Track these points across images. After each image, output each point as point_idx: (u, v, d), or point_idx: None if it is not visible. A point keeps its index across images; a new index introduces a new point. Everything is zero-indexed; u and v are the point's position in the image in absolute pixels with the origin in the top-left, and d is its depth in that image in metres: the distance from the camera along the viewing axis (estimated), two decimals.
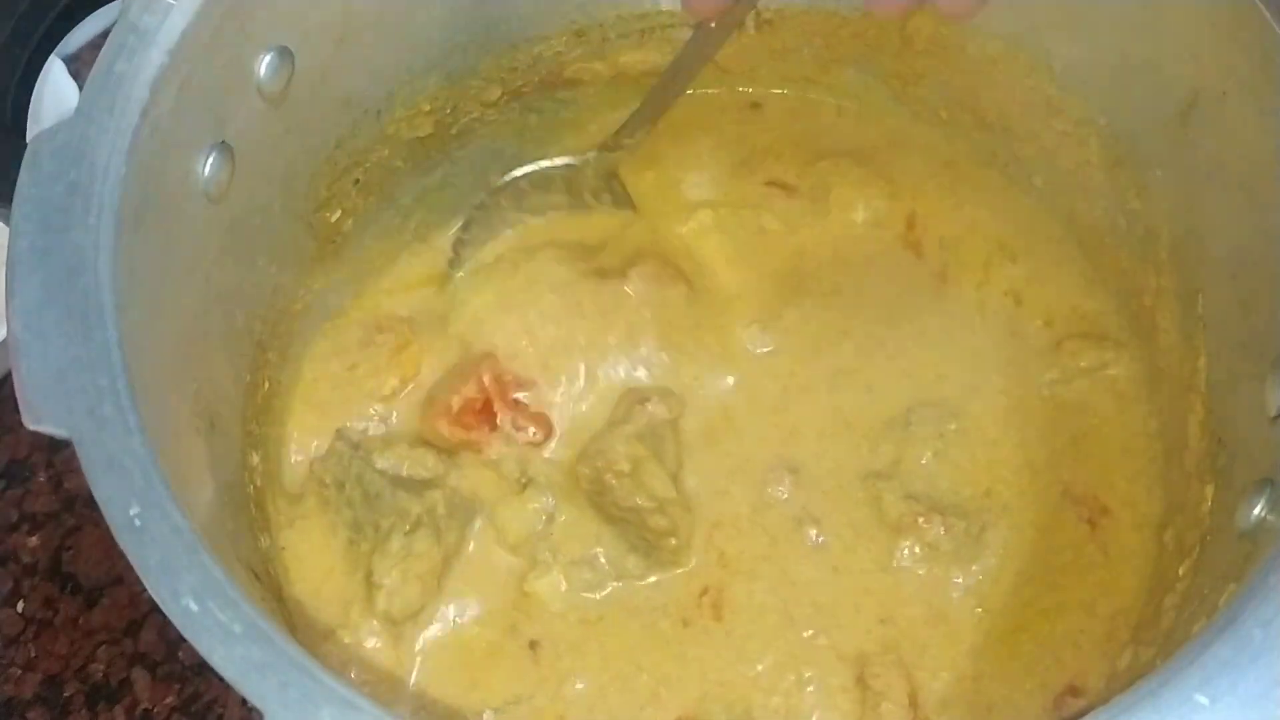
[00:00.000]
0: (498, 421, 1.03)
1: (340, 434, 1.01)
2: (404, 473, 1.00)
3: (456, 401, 1.02)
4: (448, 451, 1.02)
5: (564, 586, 0.99)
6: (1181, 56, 0.89)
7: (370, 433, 1.04)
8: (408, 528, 0.96)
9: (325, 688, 0.67)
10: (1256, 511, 0.79)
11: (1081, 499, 1.01)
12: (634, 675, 0.96)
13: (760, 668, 0.96)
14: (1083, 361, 1.05)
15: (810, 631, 0.97)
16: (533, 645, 0.97)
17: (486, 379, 1.03)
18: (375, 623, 0.95)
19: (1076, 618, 0.96)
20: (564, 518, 1.01)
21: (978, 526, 0.98)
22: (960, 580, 0.98)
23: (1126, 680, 0.71)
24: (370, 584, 0.95)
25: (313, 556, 0.95)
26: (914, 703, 0.93)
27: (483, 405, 1.02)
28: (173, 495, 0.72)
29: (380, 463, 0.99)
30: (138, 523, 0.70)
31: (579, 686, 0.96)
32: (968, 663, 0.95)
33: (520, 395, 1.03)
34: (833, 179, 1.12)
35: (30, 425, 0.73)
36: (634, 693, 0.96)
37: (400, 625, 0.96)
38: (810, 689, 0.95)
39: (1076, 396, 1.05)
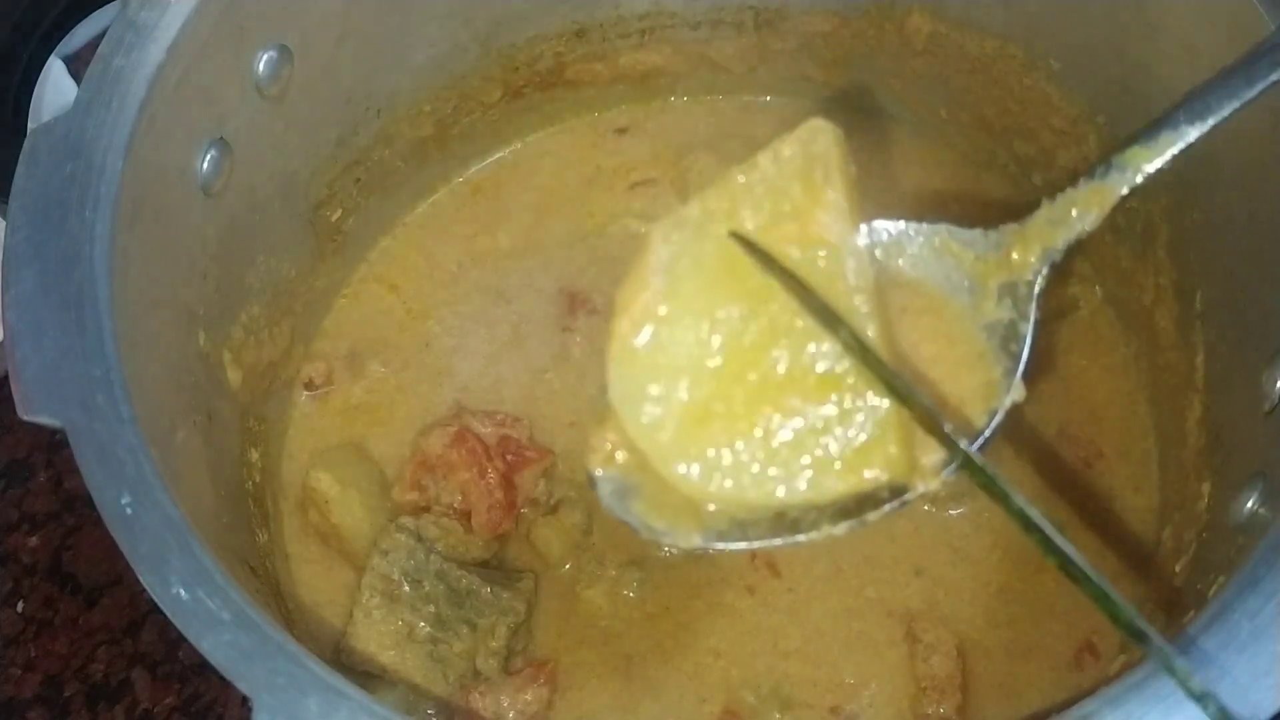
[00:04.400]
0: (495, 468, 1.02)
1: (399, 525, 0.98)
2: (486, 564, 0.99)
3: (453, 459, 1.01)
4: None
5: (618, 589, 0.99)
6: (1177, 54, 0.89)
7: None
8: (513, 622, 0.95)
9: (313, 675, 0.67)
10: (1250, 505, 0.79)
11: (1076, 439, 1.03)
12: (712, 662, 0.97)
13: (825, 626, 0.97)
14: (1053, 300, 1.05)
15: (857, 581, 0.98)
16: (627, 659, 0.98)
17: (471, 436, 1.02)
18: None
19: (1090, 559, 0.95)
20: (600, 526, 1.01)
21: None
22: (963, 512, 0.99)
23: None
24: (476, 676, 0.94)
25: (382, 655, 0.93)
26: (961, 653, 0.95)
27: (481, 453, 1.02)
28: (164, 485, 0.72)
29: (442, 548, 0.97)
30: (129, 511, 0.71)
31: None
32: (999, 605, 0.97)
33: (509, 432, 1.03)
34: (690, 173, 1.14)
35: (24, 416, 0.73)
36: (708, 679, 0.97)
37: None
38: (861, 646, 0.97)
39: (1058, 339, 1.07)
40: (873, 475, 0.74)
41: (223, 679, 0.68)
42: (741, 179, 0.75)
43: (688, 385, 0.74)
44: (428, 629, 0.93)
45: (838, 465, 0.74)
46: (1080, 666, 0.94)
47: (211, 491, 0.87)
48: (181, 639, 0.69)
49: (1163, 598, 0.90)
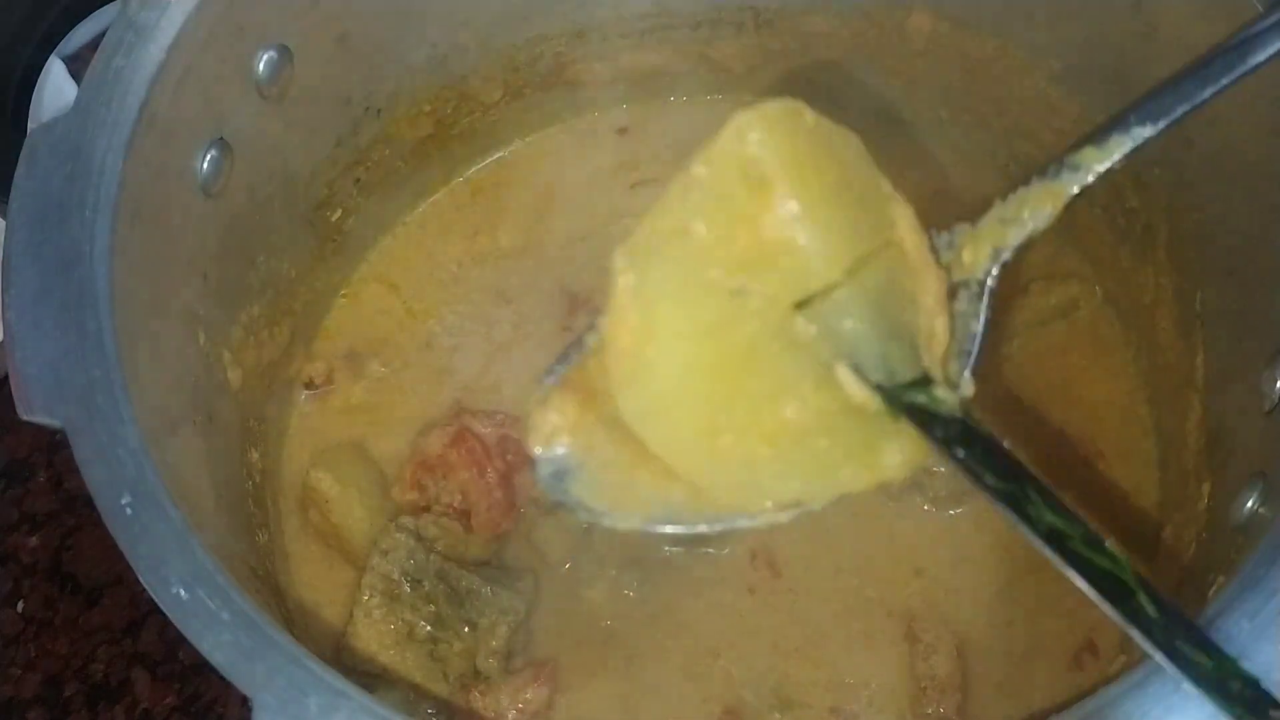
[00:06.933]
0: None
1: (399, 525, 0.98)
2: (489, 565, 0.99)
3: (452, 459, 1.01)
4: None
5: (619, 589, 0.99)
6: (1177, 54, 0.89)
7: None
8: (513, 622, 0.95)
9: (313, 675, 0.67)
10: (1250, 505, 0.79)
11: (1076, 439, 1.02)
12: (712, 662, 0.97)
13: (825, 626, 0.97)
14: (1052, 299, 1.06)
15: (858, 581, 0.98)
16: (627, 659, 0.98)
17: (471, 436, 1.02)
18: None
19: None
20: (600, 526, 1.00)
21: None
22: (963, 512, 0.99)
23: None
24: (476, 675, 0.95)
25: (382, 655, 0.93)
26: (961, 653, 0.95)
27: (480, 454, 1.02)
28: (165, 485, 0.72)
29: (441, 547, 0.97)
30: (129, 511, 0.71)
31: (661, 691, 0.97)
32: (999, 605, 0.97)
33: (509, 432, 1.03)
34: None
35: (24, 416, 0.74)
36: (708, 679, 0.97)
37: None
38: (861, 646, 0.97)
39: (1058, 339, 1.06)
40: (889, 465, 0.73)
41: (223, 679, 0.68)
42: (678, 191, 0.72)
43: (692, 401, 0.73)
44: (428, 628, 0.93)
45: (850, 461, 0.73)
46: (1080, 666, 0.94)
47: (211, 491, 0.87)
48: (181, 639, 0.69)
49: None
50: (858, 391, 0.72)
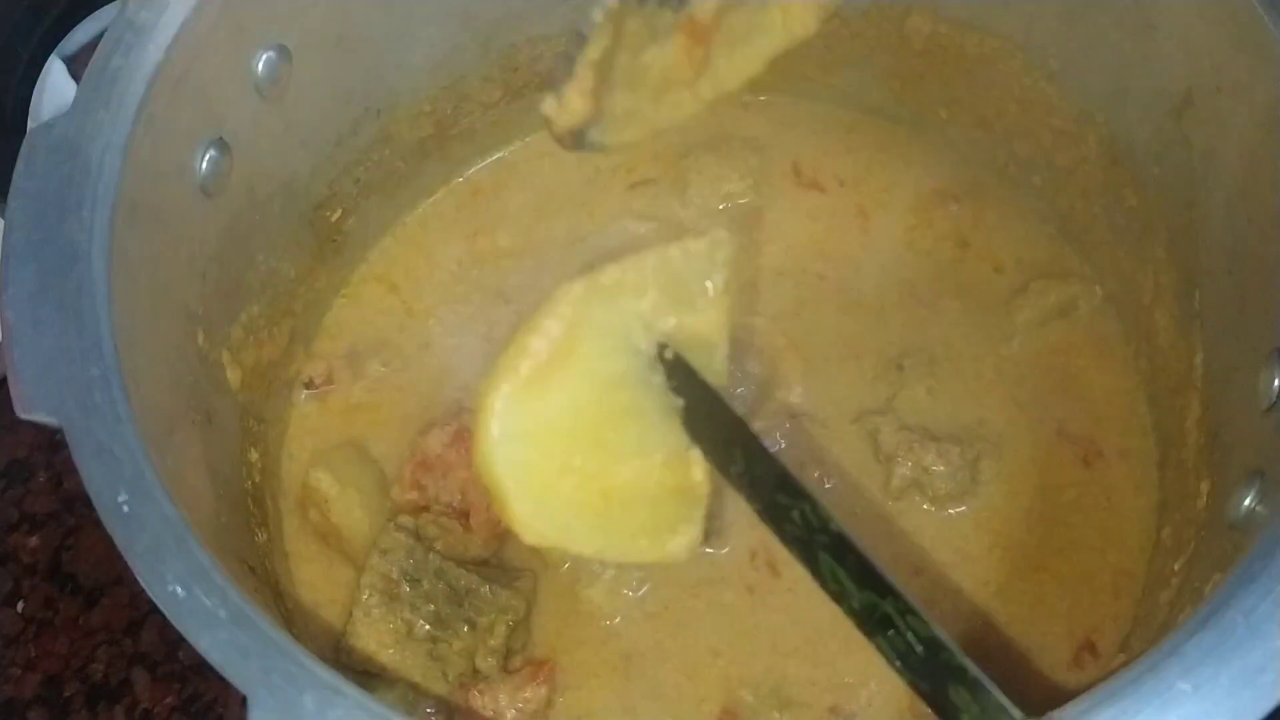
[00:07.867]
0: None
1: (398, 524, 0.98)
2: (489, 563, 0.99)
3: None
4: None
5: (618, 588, 0.99)
6: (1177, 53, 0.89)
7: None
8: (512, 621, 0.95)
9: (309, 673, 0.67)
10: (1247, 503, 0.79)
11: (1075, 438, 1.03)
12: (711, 662, 0.97)
13: (825, 626, 0.97)
14: (1052, 299, 1.07)
15: None
16: (626, 658, 0.98)
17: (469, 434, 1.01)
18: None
19: (1089, 558, 0.98)
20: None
21: (972, 454, 1.00)
22: (963, 511, 1.00)
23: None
24: (475, 674, 0.95)
25: (381, 654, 0.93)
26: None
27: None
28: (162, 484, 0.72)
29: (441, 547, 0.97)
30: (126, 509, 0.71)
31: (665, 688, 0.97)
32: (999, 605, 0.97)
33: None
34: (691, 173, 1.15)
35: (21, 414, 0.73)
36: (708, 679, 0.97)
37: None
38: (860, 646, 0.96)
39: (1058, 339, 1.07)
40: (673, 548, 0.84)
41: (223, 679, 0.68)
42: (653, 261, 0.82)
43: (560, 433, 0.81)
44: (427, 628, 0.93)
45: (653, 534, 0.84)
46: (1080, 666, 0.94)
47: (210, 491, 0.87)
48: (181, 639, 0.69)
49: (1161, 597, 0.90)
50: (700, 474, 0.84)
